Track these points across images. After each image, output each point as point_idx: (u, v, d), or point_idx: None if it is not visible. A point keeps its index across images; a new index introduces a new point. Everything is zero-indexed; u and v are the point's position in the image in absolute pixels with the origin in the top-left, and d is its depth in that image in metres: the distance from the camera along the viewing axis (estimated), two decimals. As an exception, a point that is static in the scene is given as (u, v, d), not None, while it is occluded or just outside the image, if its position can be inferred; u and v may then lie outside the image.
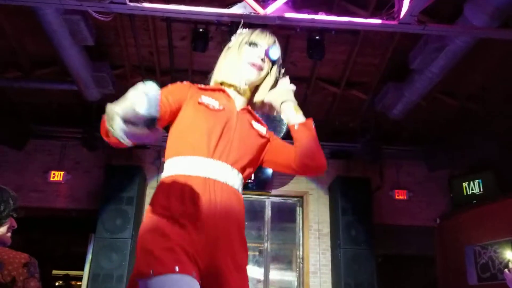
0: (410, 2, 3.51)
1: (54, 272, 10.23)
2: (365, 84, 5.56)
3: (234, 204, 1.36)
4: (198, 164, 1.35)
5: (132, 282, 1.26)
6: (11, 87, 5.42)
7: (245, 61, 1.53)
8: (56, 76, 5.19)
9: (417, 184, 6.59)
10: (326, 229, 6.17)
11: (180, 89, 1.48)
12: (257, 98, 1.58)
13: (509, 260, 4.70)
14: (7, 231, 1.93)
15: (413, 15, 3.58)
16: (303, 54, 4.52)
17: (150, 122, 0.95)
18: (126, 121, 0.97)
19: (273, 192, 6.27)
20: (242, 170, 1.42)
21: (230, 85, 1.54)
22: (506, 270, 3.38)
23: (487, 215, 5.39)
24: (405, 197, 6.40)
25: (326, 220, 6.21)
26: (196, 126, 1.40)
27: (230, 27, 4.19)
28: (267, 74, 1.58)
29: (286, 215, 6.45)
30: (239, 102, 1.53)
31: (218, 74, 1.58)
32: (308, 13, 3.78)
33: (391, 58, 4.99)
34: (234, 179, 1.38)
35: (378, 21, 3.76)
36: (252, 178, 5.85)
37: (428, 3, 3.57)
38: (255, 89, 1.58)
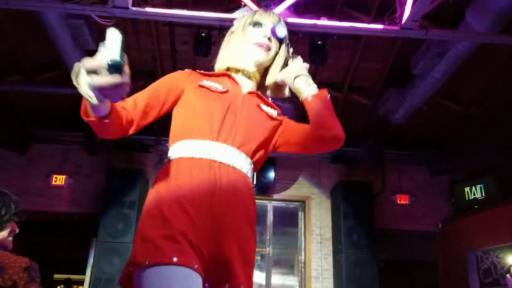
0: (411, 7, 3.52)
1: (56, 276, 10.22)
2: (367, 89, 5.56)
3: (241, 188, 1.27)
4: (203, 147, 1.27)
5: (125, 271, 1.13)
6: (13, 91, 5.44)
7: (251, 42, 1.46)
8: (59, 80, 5.20)
9: (419, 188, 6.58)
10: (328, 234, 6.16)
11: (177, 78, 1.41)
12: (269, 80, 1.50)
13: (511, 265, 4.68)
14: (8, 235, 1.92)
15: (415, 20, 3.59)
16: (305, 59, 4.51)
17: (115, 68, 0.90)
18: (91, 72, 0.92)
19: (275, 196, 6.26)
20: (250, 154, 1.32)
21: (237, 70, 1.46)
22: (508, 275, 3.37)
23: (489, 220, 5.38)
24: (407, 202, 6.39)
25: (328, 225, 6.20)
26: (197, 109, 1.33)
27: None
28: (276, 54, 1.51)
29: (288, 220, 6.44)
30: (247, 86, 1.44)
31: (223, 61, 1.50)
32: (310, 18, 3.79)
33: (393, 63, 5.00)
34: (241, 162, 1.29)
35: (380, 26, 3.76)
36: (254, 182, 5.85)
37: (430, 8, 3.58)
38: (264, 72, 1.51)
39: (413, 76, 4.79)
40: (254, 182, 5.86)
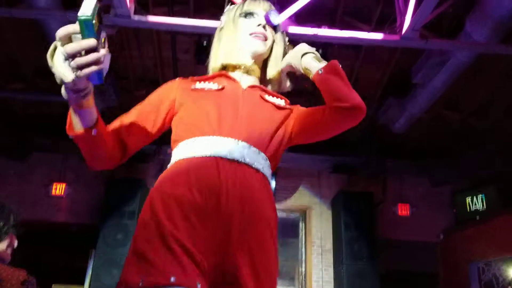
0: (412, 17, 3.54)
1: (54, 287, 10.13)
2: (367, 98, 5.56)
3: (254, 187, 1.11)
4: (203, 143, 1.13)
5: None
6: (14, 99, 5.45)
7: (246, 34, 1.34)
8: (59, 88, 5.20)
9: (420, 198, 6.55)
10: (329, 245, 6.12)
11: (166, 89, 1.31)
12: (271, 72, 1.38)
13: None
14: (7, 248, 1.90)
15: (415, 30, 3.60)
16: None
17: (88, 28, 0.82)
18: (65, 41, 0.85)
19: (276, 206, 6.22)
20: (263, 147, 1.18)
21: (234, 67, 1.35)
22: (510, 287, 3.34)
23: (490, 231, 5.35)
24: (408, 212, 6.36)
25: (329, 236, 6.16)
26: (193, 109, 1.22)
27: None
28: (273, 43, 1.40)
29: (288, 230, 6.41)
30: (247, 82, 1.33)
31: (217, 59, 1.38)
32: (311, 27, 3.81)
33: (393, 72, 5.01)
34: (252, 156, 1.14)
35: (380, 35, 3.78)
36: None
37: (430, 18, 3.60)
38: (263, 64, 1.40)
39: (414, 85, 4.80)
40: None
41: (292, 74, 1.40)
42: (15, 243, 1.94)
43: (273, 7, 1.42)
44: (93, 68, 0.85)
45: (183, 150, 1.15)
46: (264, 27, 1.36)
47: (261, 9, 1.39)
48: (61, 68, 0.86)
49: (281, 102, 1.33)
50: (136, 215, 5.50)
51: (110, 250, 5.34)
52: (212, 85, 1.27)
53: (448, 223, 6.41)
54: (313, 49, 1.32)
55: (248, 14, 1.38)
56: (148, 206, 1.06)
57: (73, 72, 0.86)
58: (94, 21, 0.81)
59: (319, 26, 3.84)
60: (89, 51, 0.84)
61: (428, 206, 6.51)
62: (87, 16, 0.81)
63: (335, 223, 6.10)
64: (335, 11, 4.28)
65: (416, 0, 3.51)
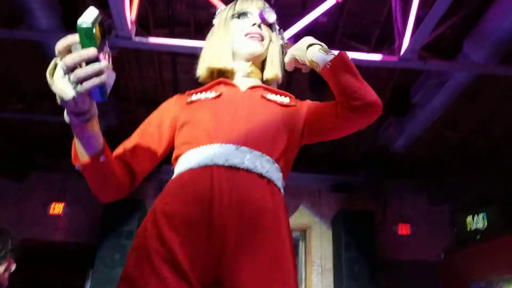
0: (410, 38, 3.57)
1: (51, 307, 10.00)
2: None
3: (253, 193, 1.00)
4: (199, 154, 1.05)
5: None
6: (14, 119, 5.46)
7: (241, 35, 1.26)
8: (60, 108, 5.21)
9: (421, 217, 6.52)
10: (329, 265, 6.06)
11: (165, 107, 1.26)
12: (269, 73, 1.29)
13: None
14: (4, 272, 1.89)
15: (413, 51, 3.63)
16: (305, 86, 4.56)
17: (87, 36, 0.75)
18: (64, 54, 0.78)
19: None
20: (267, 149, 1.08)
21: (231, 73, 1.27)
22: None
23: (492, 250, 5.31)
24: (408, 231, 6.32)
25: (329, 256, 6.11)
26: (191, 122, 1.15)
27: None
28: (270, 42, 1.31)
29: (288, 250, 6.35)
30: (247, 84, 1.24)
31: (203, 64, 1.30)
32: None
33: (392, 92, 5.03)
34: (254, 160, 1.04)
35: (379, 56, 3.81)
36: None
37: (428, 40, 3.63)
38: (262, 66, 1.31)
39: (413, 105, 4.82)
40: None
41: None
42: (13, 267, 1.93)
43: (266, 4, 1.33)
44: (95, 80, 0.77)
45: (181, 165, 1.09)
46: (259, 26, 1.27)
47: (254, 8, 1.30)
48: (61, 84, 0.79)
49: (285, 99, 1.23)
50: (133, 235, 5.45)
51: (107, 270, 5.29)
52: (209, 94, 1.21)
53: (449, 242, 6.37)
54: (318, 42, 1.20)
55: (241, 15, 1.30)
56: (141, 227, 1.02)
57: (74, 88, 0.79)
58: (95, 31, 0.75)
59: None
60: (89, 62, 0.77)
61: (428, 225, 6.48)
62: (87, 24, 0.74)
63: (336, 243, 6.06)
64: (334, 32, 4.32)
65: (414, 21, 3.55)
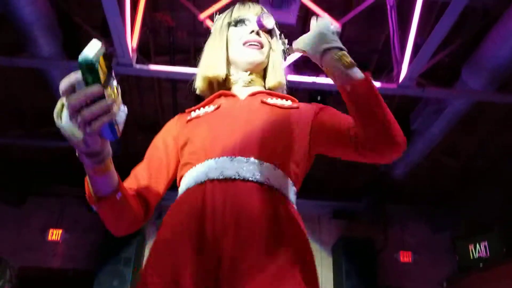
0: (408, 65, 3.60)
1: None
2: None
3: (250, 203, 0.94)
4: (197, 171, 1.02)
5: None
6: (13, 144, 5.47)
7: (239, 44, 1.20)
8: (59, 133, 5.22)
9: (423, 245, 6.45)
10: (330, 293, 5.98)
11: (168, 130, 1.22)
12: (270, 81, 1.23)
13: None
14: (3, 301, 1.87)
15: (412, 78, 3.66)
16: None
17: (90, 72, 0.70)
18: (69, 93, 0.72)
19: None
20: (265, 155, 1.01)
21: (231, 83, 1.22)
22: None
23: (494, 279, 5.23)
24: (410, 259, 6.25)
25: (330, 283, 6.01)
26: (189, 140, 1.11)
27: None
28: (270, 50, 1.24)
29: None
30: (247, 92, 1.19)
31: (204, 75, 1.23)
32: (310, 75, 3.87)
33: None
34: (251, 170, 0.98)
35: (377, 84, 3.83)
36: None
37: (427, 67, 3.66)
38: (264, 74, 1.25)
39: (412, 131, 4.83)
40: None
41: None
42: None
43: (265, 10, 1.26)
44: (103, 119, 0.72)
45: (181, 187, 1.07)
46: (258, 33, 1.21)
47: (252, 14, 1.23)
48: (68, 126, 0.74)
49: (286, 102, 1.15)
50: (132, 262, 5.41)
51: (105, 298, 5.22)
52: (208, 109, 1.16)
53: (451, 270, 6.28)
54: (337, 40, 1.01)
55: (238, 22, 1.23)
56: (150, 251, 1.00)
57: (82, 130, 0.73)
58: (97, 65, 0.70)
59: (317, 75, 3.90)
60: (95, 100, 0.71)
61: (430, 253, 6.40)
62: (89, 58, 0.69)
63: (336, 271, 5.97)
64: (333, 60, 4.36)
65: (412, 49, 3.58)
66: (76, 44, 3.94)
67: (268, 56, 1.23)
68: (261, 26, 1.21)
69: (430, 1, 3.78)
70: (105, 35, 3.43)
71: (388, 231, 6.36)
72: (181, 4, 3.70)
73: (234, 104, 1.15)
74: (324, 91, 4.34)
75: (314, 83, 3.85)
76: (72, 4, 3.91)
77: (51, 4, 3.48)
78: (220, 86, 1.23)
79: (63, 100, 0.75)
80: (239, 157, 1.00)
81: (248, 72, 1.21)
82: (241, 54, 1.19)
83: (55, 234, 5.96)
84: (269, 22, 1.22)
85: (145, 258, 6.15)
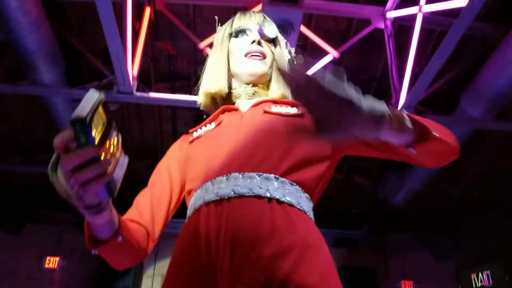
0: (407, 94, 3.62)
1: None
2: (367, 170, 5.58)
3: (249, 219, 0.86)
4: (194, 200, 0.97)
5: None
6: (13, 171, 5.45)
7: (240, 55, 1.14)
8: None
9: (424, 274, 6.35)
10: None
11: (171, 153, 1.16)
12: (275, 92, 1.15)
13: None
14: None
15: (410, 107, 3.67)
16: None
17: (83, 131, 0.64)
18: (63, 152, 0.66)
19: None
20: (268, 166, 0.94)
21: (235, 97, 1.15)
22: None
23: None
24: (412, 289, 6.15)
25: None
26: (190, 162, 1.06)
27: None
28: (273, 60, 1.17)
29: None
30: (249, 104, 1.12)
31: (206, 90, 1.16)
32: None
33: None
34: (249, 184, 0.91)
35: (377, 111, 3.84)
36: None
37: (425, 95, 3.68)
38: (268, 83, 1.18)
39: (412, 159, 4.82)
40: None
41: None
42: None
43: (267, 18, 1.20)
44: (98, 182, 0.67)
45: (187, 216, 1.00)
46: (259, 43, 1.15)
47: (253, 24, 1.18)
48: (61, 186, 0.68)
49: (291, 109, 1.07)
50: (130, 291, 5.33)
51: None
52: (209, 127, 1.10)
53: (455, 300, 6.18)
54: (385, 108, 0.77)
55: (239, 32, 1.17)
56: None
57: (76, 192, 0.68)
58: (92, 123, 0.65)
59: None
60: (89, 161, 0.66)
61: (432, 282, 6.29)
62: (81, 117, 0.63)
63: (337, 301, 5.86)
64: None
65: (410, 77, 3.60)
66: (77, 71, 3.98)
67: (272, 67, 1.16)
68: (262, 35, 1.15)
69: (428, 29, 3.84)
70: (107, 63, 3.46)
71: (389, 259, 6.28)
72: (182, 33, 3.75)
73: (235, 118, 1.07)
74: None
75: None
76: (74, 32, 3.96)
77: (53, 32, 3.52)
78: (224, 101, 1.17)
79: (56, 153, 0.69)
80: (235, 174, 0.93)
81: (251, 85, 1.14)
82: (243, 66, 1.13)
83: (52, 262, 5.89)
84: (271, 30, 1.16)
85: (143, 286, 6.07)
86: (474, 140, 4.44)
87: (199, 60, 4.09)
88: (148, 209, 1.06)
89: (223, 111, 1.12)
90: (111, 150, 0.71)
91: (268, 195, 0.89)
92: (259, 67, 1.12)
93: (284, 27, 3.04)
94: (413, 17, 3.57)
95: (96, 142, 0.66)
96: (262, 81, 1.15)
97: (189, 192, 1.03)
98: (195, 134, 1.12)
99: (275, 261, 0.81)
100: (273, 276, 0.79)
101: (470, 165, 5.25)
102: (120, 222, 0.89)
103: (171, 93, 4.03)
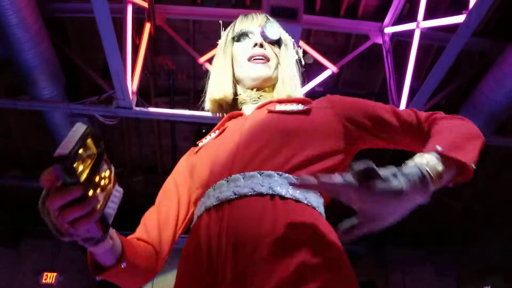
0: (405, 108, 3.63)
1: None
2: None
3: (250, 219, 0.82)
4: (201, 204, 0.94)
5: None
6: (11, 186, 5.43)
7: (243, 60, 1.10)
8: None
9: (425, 289, 6.31)
10: None
11: (180, 166, 1.13)
12: (280, 95, 1.10)
13: None
14: None
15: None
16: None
17: (65, 170, 0.59)
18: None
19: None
20: (271, 164, 0.90)
21: (241, 103, 1.12)
22: None
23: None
24: (413, 304, 6.09)
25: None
26: (194, 174, 1.03)
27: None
28: (278, 62, 1.12)
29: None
30: (254, 107, 1.08)
31: (208, 95, 1.14)
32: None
33: (391, 159, 5.05)
34: (249, 183, 0.87)
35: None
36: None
37: (424, 110, 3.69)
38: (274, 86, 1.13)
39: (412, 173, 4.81)
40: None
41: None
42: None
43: (270, 19, 1.16)
44: (86, 221, 0.64)
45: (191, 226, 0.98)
46: (261, 45, 1.11)
47: (255, 26, 1.14)
48: (50, 224, 0.66)
49: (296, 107, 1.02)
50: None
51: None
52: (214, 135, 1.08)
53: (456, 315, 6.12)
54: (423, 169, 0.77)
55: (241, 36, 1.13)
56: None
57: (65, 231, 0.65)
58: (76, 160, 0.60)
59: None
60: (76, 200, 0.62)
61: (434, 296, 6.25)
62: (63, 155, 0.58)
63: (337, 316, 5.80)
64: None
65: (408, 93, 3.62)
66: (77, 86, 4.00)
67: (276, 69, 1.12)
68: (265, 37, 1.11)
69: (425, 45, 3.86)
70: (106, 78, 3.47)
71: (389, 274, 6.23)
72: (181, 48, 3.77)
73: (239, 123, 1.03)
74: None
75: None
76: (74, 48, 3.99)
77: (53, 47, 3.54)
78: (231, 107, 1.14)
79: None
80: (235, 175, 0.89)
81: (256, 89, 1.10)
82: (245, 71, 1.09)
83: (49, 277, 5.83)
84: (274, 32, 1.12)
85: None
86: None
87: (199, 75, 4.11)
88: (155, 226, 1.02)
89: (229, 118, 1.09)
90: (102, 184, 0.67)
91: (271, 192, 0.85)
92: (262, 71, 1.08)
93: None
94: (411, 33, 3.60)
95: (82, 179, 0.62)
96: (267, 85, 1.11)
97: (195, 202, 1.00)
98: (200, 145, 1.10)
99: (279, 262, 0.76)
100: (278, 279, 0.74)
101: (470, 180, 5.24)
102: (124, 247, 0.85)
103: (171, 108, 4.03)
